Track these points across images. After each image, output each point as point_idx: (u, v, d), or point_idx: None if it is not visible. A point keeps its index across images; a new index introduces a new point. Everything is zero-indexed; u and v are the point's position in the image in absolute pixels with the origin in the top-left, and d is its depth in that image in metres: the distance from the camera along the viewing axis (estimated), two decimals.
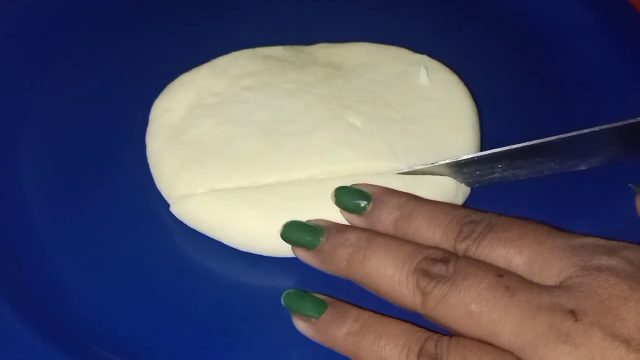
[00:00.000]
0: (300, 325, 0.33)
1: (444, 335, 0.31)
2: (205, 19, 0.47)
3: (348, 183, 0.36)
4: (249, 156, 0.37)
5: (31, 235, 0.37)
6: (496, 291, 0.30)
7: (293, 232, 0.35)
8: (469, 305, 0.30)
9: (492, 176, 0.37)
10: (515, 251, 0.31)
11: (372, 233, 0.34)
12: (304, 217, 0.35)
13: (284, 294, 0.34)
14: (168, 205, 0.38)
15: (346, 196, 0.35)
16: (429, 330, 0.31)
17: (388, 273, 0.32)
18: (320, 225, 0.35)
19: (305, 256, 0.35)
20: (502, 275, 0.30)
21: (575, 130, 0.36)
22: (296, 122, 0.38)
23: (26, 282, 0.36)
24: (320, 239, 0.34)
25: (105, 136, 0.41)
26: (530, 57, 0.46)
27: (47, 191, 0.39)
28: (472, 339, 0.30)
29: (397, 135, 0.38)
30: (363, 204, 0.35)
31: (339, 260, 0.33)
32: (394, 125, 0.38)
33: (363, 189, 0.35)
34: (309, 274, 0.35)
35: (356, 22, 0.46)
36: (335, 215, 0.36)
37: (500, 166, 0.37)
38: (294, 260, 0.36)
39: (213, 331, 0.35)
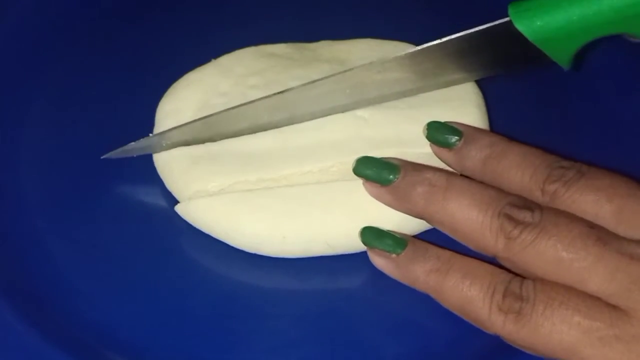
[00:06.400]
0: (378, 261, 0.33)
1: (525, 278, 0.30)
2: (206, 18, 0.47)
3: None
4: (260, 151, 0.37)
5: (32, 235, 0.37)
6: (588, 239, 0.30)
7: (368, 166, 0.34)
8: (560, 252, 0.30)
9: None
10: (606, 198, 0.31)
11: (450, 174, 0.33)
12: (309, 222, 0.35)
13: (361, 230, 0.34)
14: (170, 206, 0.37)
15: (438, 130, 0.35)
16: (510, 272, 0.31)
17: (472, 215, 0.32)
18: (396, 162, 0.34)
19: (377, 193, 0.34)
20: (592, 226, 0.30)
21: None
22: None
23: (27, 281, 0.36)
24: (397, 176, 0.34)
25: (108, 135, 0.40)
26: None
27: (49, 191, 0.39)
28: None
29: (404, 123, 0.38)
30: (454, 139, 0.35)
31: (416, 198, 0.33)
32: (401, 113, 0.38)
33: (455, 125, 0.35)
34: (311, 274, 0.36)
35: (357, 20, 0.46)
36: (342, 220, 0.35)
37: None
38: (295, 261, 0.36)
39: (213, 331, 0.35)
